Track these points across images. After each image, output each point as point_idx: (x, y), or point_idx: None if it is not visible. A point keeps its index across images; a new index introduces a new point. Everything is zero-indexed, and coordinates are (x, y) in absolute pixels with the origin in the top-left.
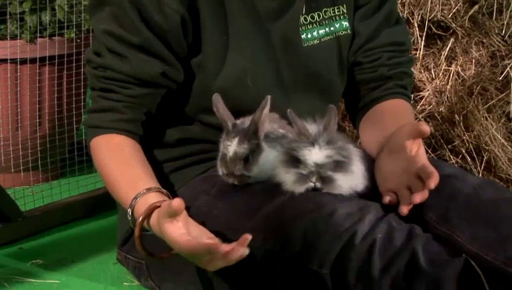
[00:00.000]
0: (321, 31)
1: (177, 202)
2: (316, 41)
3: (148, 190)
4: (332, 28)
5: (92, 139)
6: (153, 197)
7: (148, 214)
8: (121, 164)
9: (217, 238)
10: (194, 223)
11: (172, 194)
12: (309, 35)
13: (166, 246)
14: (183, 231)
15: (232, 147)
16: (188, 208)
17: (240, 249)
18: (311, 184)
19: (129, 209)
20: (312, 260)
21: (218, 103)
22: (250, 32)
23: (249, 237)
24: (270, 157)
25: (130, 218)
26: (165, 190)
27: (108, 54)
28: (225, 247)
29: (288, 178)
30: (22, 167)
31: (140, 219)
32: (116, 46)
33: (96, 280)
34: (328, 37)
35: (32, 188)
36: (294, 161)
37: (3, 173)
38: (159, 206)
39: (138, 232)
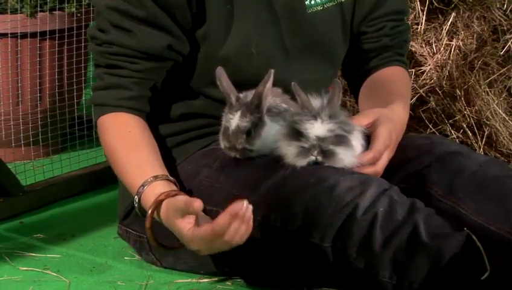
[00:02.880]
0: None
1: (198, 203)
2: (319, 8)
3: (155, 177)
4: None
5: (99, 117)
6: (160, 186)
7: (157, 206)
8: (128, 148)
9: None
10: (204, 216)
11: (174, 169)
12: (312, 2)
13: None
14: (192, 225)
15: (234, 120)
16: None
17: (248, 208)
18: (313, 158)
19: (136, 197)
20: (313, 234)
21: (221, 76)
22: (253, 1)
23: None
24: (272, 131)
25: (136, 205)
26: (172, 177)
27: (113, 29)
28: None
29: (289, 151)
30: (22, 142)
31: (150, 211)
32: (121, 21)
33: (97, 254)
34: (331, 4)
35: (33, 162)
36: (296, 134)
37: (4, 147)
38: (167, 196)
39: (149, 224)
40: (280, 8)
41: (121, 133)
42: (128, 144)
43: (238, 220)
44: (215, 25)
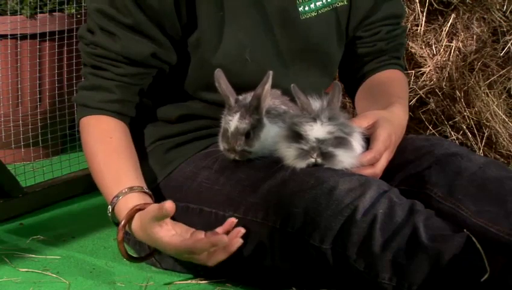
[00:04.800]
0: (318, 3)
1: (170, 205)
2: (313, 14)
3: (131, 189)
4: (329, 0)
5: (82, 118)
6: (134, 199)
7: (129, 219)
8: (107, 155)
9: (199, 231)
10: (172, 221)
11: (173, 171)
12: (306, 8)
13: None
14: (173, 232)
15: (233, 122)
16: (176, 201)
17: (238, 240)
18: (312, 160)
19: (109, 207)
20: (313, 236)
21: (220, 78)
22: (246, 7)
23: (241, 230)
24: (271, 133)
25: (110, 214)
26: (148, 190)
27: (99, 31)
28: (225, 237)
29: (289, 153)
30: (22, 143)
31: (122, 223)
32: (107, 25)
33: (97, 255)
34: (326, 9)
35: (32, 164)
36: (296, 136)
37: (3, 149)
38: (139, 209)
39: (121, 237)
40: (273, 14)
41: (100, 138)
42: (107, 151)
43: (218, 249)
44: (207, 32)
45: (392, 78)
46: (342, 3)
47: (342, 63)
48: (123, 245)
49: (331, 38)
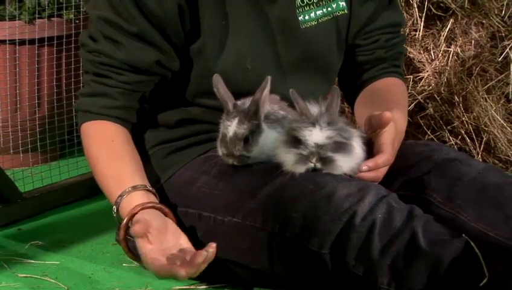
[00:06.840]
0: (318, 12)
1: (137, 228)
2: (313, 23)
3: (134, 188)
4: (329, 9)
5: (83, 123)
6: (138, 197)
7: (131, 217)
8: (110, 158)
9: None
10: (173, 230)
11: (172, 175)
12: (306, 17)
13: None
14: (151, 246)
15: (232, 127)
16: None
17: (202, 254)
18: (311, 165)
19: (114, 207)
20: (312, 241)
21: (218, 83)
22: (248, 16)
23: (213, 245)
24: (270, 138)
25: (115, 215)
26: (151, 188)
27: (103, 39)
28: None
29: (288, 158)
30: (21, 148)
31: (124, 222)
32: (111, 33)
33: (96, 261)
34: (326, 18)
35: (31, 169)
36: (294, 141)
37: (2, 154)
38: (143, 208)
39: (123, 235)
40: (274, 23)
41: (103, 142)
42: (109, 153)
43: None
44: (210, 41)
45: (391, 85)
46: (342, 12)
47: (342, 71)
48: (125, 243)
49: (331, 47)
